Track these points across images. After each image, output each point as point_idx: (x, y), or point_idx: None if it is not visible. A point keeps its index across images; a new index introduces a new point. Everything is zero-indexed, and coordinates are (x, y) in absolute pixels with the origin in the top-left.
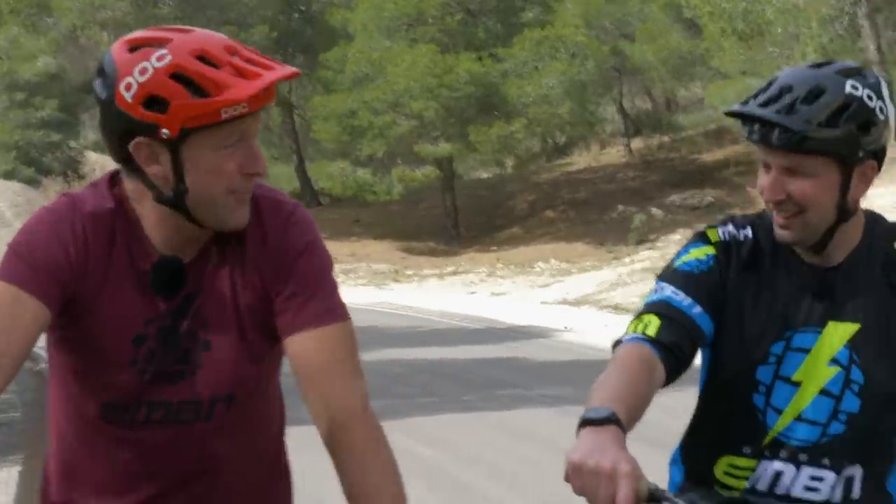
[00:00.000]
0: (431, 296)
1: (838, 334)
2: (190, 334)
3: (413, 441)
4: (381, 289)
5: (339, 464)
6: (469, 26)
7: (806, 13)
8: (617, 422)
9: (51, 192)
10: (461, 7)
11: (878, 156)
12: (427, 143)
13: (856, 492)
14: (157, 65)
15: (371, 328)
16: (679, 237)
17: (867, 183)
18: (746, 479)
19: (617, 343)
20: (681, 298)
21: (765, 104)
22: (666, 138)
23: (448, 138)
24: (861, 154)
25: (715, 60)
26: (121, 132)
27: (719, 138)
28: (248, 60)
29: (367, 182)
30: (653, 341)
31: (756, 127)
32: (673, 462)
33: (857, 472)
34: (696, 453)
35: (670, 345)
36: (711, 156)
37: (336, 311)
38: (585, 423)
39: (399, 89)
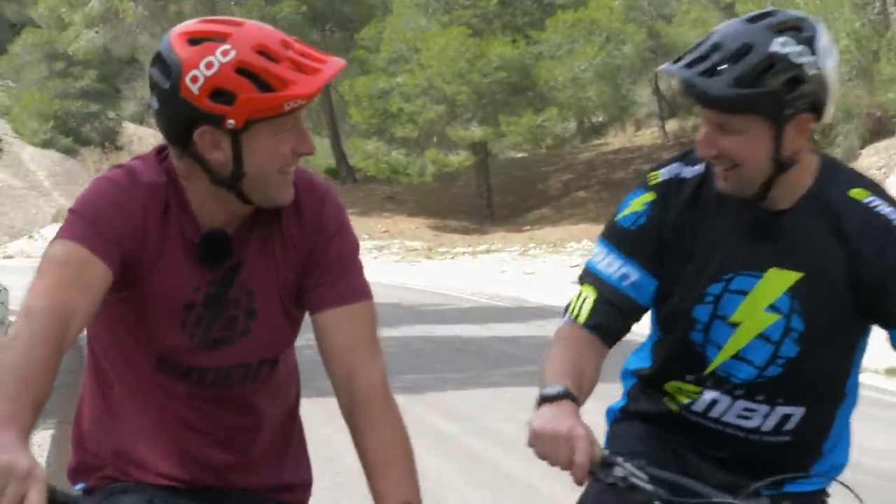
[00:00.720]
0: (463, 273)
1: (780, 281)
2: (235, 303)
3: (435, 415)
4: (414, 265)
5: (356, 434)
6: (506, 7)
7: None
8: (570, 396)
9: (89, 162)
10: None
11: (817, 107)
12: (459, 126)
13: (790, 426)
14: (223, 60)
15: (401, 304)
16: None
17: (804, 134)
18: (686, 400)
19: (565, 309)
20: (613, 271)
21: (692, 64)
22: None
23: (480, 122)
24: (790, 110)
25: None
26: (184, 120)
27: None
28: (303, 54)
29: (401, 163)
30: (587, 326)
31: (682, 87)
32: (623, 375)
33: (797, 410)
34: (650, 373)
35: (602, 326)
36: None
37: (362, 291)
38: (543, 399)
39: (431, 73)
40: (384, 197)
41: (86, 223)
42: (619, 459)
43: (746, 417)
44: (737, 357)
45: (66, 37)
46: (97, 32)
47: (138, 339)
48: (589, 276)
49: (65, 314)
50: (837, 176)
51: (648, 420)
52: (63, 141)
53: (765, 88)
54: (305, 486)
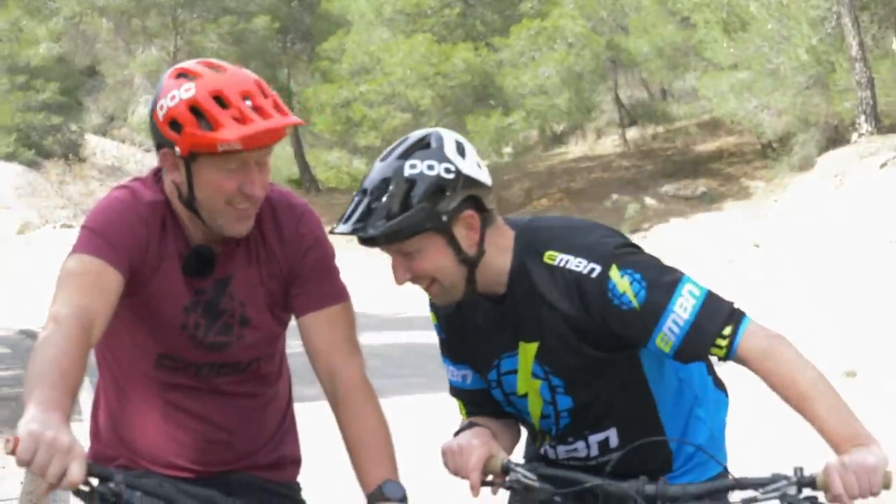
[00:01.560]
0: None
1: (528, 352)
2: (229, 312)
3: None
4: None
5: (341, 421)
6: (468, 17)
7: (789, 9)
8: (482, 424)
9: (52, 175)
10: None
11: (475, 200)
12: None
13: (614, 443)
14: (183, 96)
15: (366, 314)
16: (671, 226)
17: (475, 229)
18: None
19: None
20: (455, 378)
21: (348, 218)
22: (661, 128)
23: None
24: (446, 217)
25: (707, 52)
26: (156, 141)
27: (714, 129)
28: (256, 107)
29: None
30: (475, 424)
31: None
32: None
33: (610, 433)
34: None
35: (488, 414)
36: (705, 146)
37: (339, 294)
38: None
39: (395, 79)
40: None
41: (98, 237)
42: (514, 465)
43: (574, 451)
44: (542, 417)
45: (25, 48)
46: (58, 44)
47: (140, 339)
48: (450, 389)
49: (89, 316)
50: (530, 246)
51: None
52: (25, 154)
53: (413, 209)
54: (296, 462)
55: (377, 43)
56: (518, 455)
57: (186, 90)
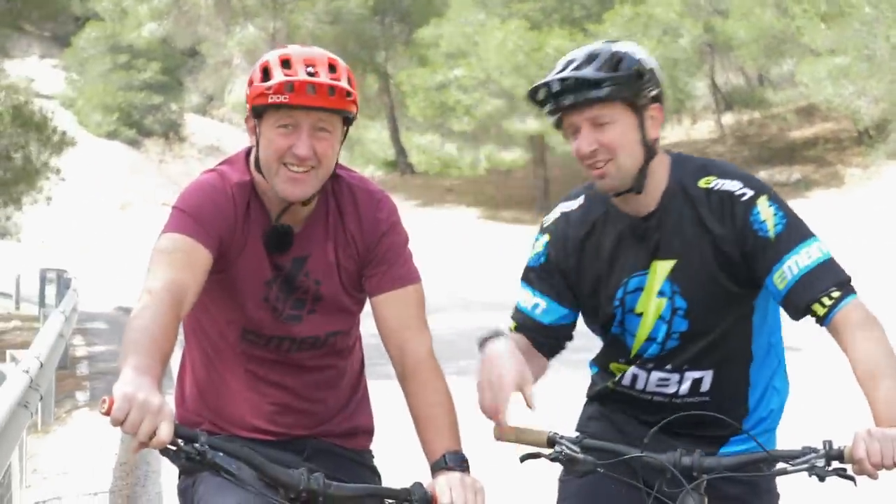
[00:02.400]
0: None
1: (661, 270)
2: (303, 287)
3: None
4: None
5: (408, 396)
6: (564, 2)
7: None
8: (508, 336)
9: (152, 154)
10: None
11: (659, 100)
12: (516, 120)
13: (704, 388)
14: (261, 62)
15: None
16: None
17: (657, 124)
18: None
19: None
20: (527, 304)
21: (559, 72)
22: (757, 114)
23: (538, 114)
24: (643, 98)
25: (805, 38)
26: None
27: (810, 115)
28: (313, 73)
29: (453, 158)
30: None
31: (560, 99)
32: (591, 364)
33: (706, 374)
34: (600, 360)
35: (532, 341)
36: (801, 133)
37: (410, 276)
38: (483, 342)
39: (489, 66)
40: (443, 189)
41: (188, 217)
42: (559, 437)
43: (664, 385)
44: (648, 339)
45: (129, 29)
46: (160, 25)
47: (227, 314)
48: (513, 311)
49: (179, 289)
50: (686, 169)
51: (598, 399)
52: (127, 133)
53: (620, 73)
54: (369, 432)
55: (473, 26)
56: (555, 412)
57: (267, 56)
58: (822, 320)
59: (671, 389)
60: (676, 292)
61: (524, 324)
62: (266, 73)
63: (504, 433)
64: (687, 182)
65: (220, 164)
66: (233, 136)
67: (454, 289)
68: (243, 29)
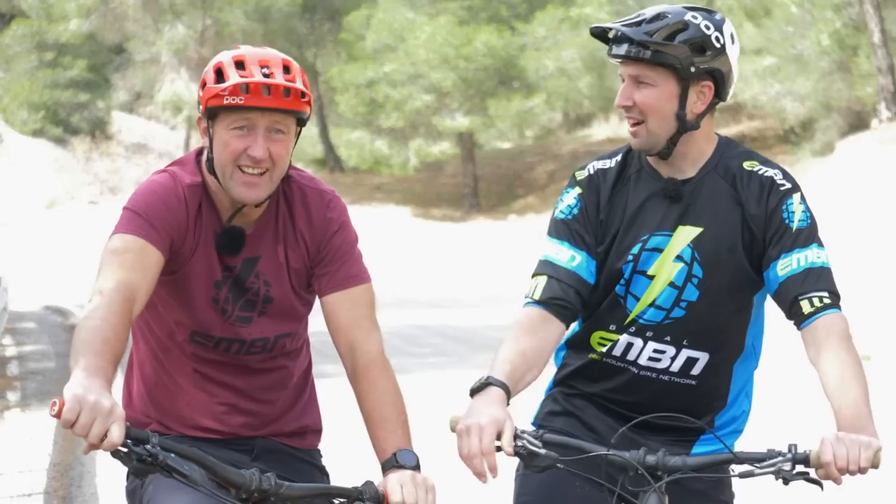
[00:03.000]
0: (447, 263)
1: (685, 235)
2: (254, 289)
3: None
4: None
5: (359, 395)
6: (491, 0)
7: None
8: (497, 383)
9: (79, 151)
10: None
11: (716, 78)
12: (446, 116)
13: (696, 370)
14: (214, 62)
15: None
16: None
17: (705, 101)
18: (608, 346)
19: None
20: (561, 256)
21: (619, 22)
22: None
23: (467, 111)
24: (695, 70)
25: None
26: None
27: (736, 114)
28: (268, 74)
29: (384, 155)
30: (540, 303)
31: (612, 46)
32: (560, 349)
33: (702, 356)
34: (580, 336)
35: (555, 301)
36: (727, 130)
37: (361, 275)
38: (472, 392)
39: (418, 60)
40: (373, 187)
41: (140, 218)
42: (520, 431)
43: (657, 359)
44: (652, 305)
45: (55, 26)
46: (87, 21)
47: (176, 315)
48: (541, 266)
49: (131, 290)
50: (733, 150)
51: (568, 384)
52: (53, 130)
53: (675, 42)
54: (317, 431)
55: (401, 22)
56: (526, 417)
57: (220, 57)
58: (803, 318)
59: (663, 364)
60: (696, 260)
61: (559, 277)
62: (220, 75)
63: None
64: (731, 160)
65: (170, 164)
66: (160, 134)
67: (385, 287)
68: (172, 27)
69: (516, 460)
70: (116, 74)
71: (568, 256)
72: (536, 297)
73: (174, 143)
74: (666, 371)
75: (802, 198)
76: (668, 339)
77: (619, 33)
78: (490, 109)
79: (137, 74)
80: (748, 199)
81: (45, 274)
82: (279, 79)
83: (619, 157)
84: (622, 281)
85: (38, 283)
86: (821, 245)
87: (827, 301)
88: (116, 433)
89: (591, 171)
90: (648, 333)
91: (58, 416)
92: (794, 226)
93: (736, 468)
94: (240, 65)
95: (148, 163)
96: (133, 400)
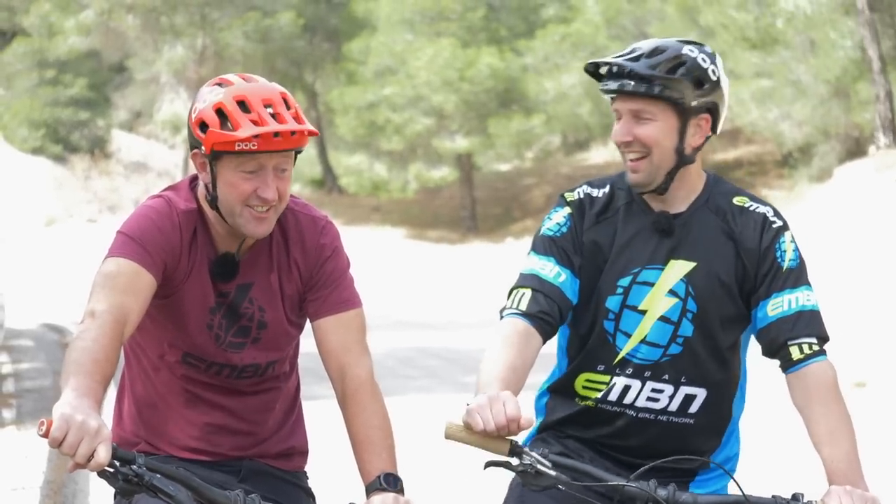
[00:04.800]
0: (443, 285)
1: (678, 270)
2: (248, 315)
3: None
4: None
5: (347, 418)
6: (491, 21)
7: (814, 21)
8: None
9: (78, 170)
10: (482, 1)
11: (713, 112)
12: (446, 138)
13: (693, 408)
14: (212, 99)
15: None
16: None
17: (702, 134)
18: (600, 391)
19: (501, 311)
20: (547, 271)
21: (617, 57)
22: None
23: (467, 133)
24: (694, 104)
25: (729, 62)
26: (189, 143)
27: (733, 139)
28: (275, 114)
29: (383, 180)
30: (525, 315)
31: (608, 81)
32: (538, 400)
33: (700, 392)
34: (564, 380)
35: (540, 314)
36: (725, 155)
37: (352, 300)
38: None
39: (419, 83)
40: (370, 208)
41: (133, 242)
42: (526, 448)
43: (654, 399)
44: (643, 341)
45: (56, 44)
46: (87, 39)
47: (169, 337)
48: (524, 279)
49: (122, 313)
50: (722, 187)
51: (564, 424)
52: (52, 148)
53: (675, 76)
54: (304, 453)
55: (401, 45)
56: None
57: (216, 95)
58: (792, 364)
59: (661, 404)
60: (690, 295)
61: (543, 290)
62: (222, 116)
63: (457, 433)
64: (721, 197)
65: (165, 189)
66: (159, 154)
67: (380, 308)
68: (172, 47)
69: (506, 475)
70: (116, 93)
71: (554, 272)
72: (523, 308)
73: (173, 162)
74: (664, 411)
75: (792, 237)
76: (665, 377)
77: (618, 68)
78: (490, 129)
79: (137, 93)
80: (742, 234)
81: (43, 291)
82: (287, 118)
83: (607, 190)
84: (611, 316)
85: (36, 301)
86: (809, 286)
87: (816, 348)
88: (103, 453)
89: (581, 196)
90: (646, 374)
91: (45, 434)
92: (785, 265)
93: None
94: (243, 105)
95: (147, 182)
96: (123, 419)
